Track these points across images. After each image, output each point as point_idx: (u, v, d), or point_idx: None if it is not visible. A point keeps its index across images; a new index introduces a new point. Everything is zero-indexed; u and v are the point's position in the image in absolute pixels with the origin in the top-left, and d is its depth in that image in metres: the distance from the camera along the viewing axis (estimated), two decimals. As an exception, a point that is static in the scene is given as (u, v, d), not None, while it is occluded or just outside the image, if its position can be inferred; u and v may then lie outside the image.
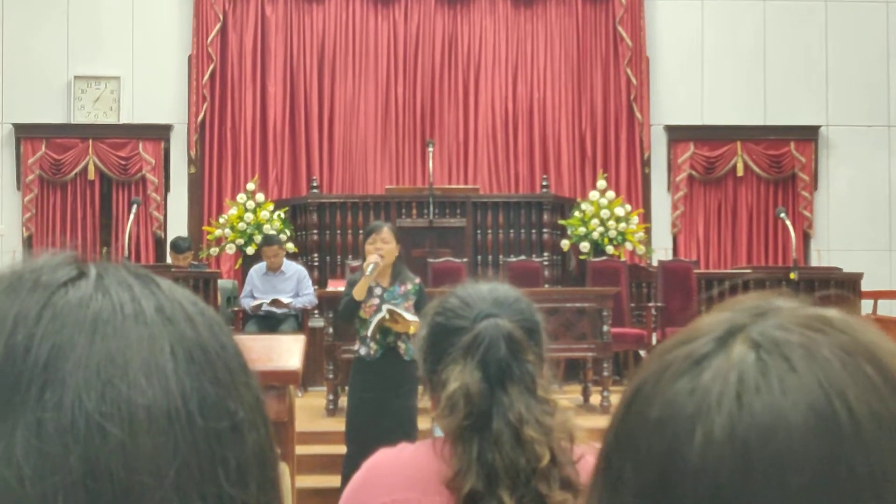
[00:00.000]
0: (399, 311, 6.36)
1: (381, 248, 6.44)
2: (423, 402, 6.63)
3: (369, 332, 6.36)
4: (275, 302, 9.99)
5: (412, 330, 6.39)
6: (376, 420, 6.31)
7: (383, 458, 2.05)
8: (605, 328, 8.98)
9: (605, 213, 11.59)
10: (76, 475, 0.56)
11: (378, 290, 6.51)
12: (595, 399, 9.22)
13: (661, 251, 12.79)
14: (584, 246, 11.50)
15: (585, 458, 1.83)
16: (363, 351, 6.49)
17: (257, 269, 10.34)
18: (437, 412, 1.88)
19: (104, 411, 0.57)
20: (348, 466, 6.34)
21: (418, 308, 6.50)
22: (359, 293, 6.45)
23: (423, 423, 6.47)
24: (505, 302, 1.99)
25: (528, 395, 1.83)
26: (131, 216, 10.71)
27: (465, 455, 1.80)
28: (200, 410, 0.60)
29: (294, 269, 10.34)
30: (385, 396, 6.37)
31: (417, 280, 6.73)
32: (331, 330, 8.64)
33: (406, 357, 6.47)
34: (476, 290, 2.01)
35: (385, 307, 6.35)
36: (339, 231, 11.37)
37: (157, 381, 0.59)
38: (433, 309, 2.03)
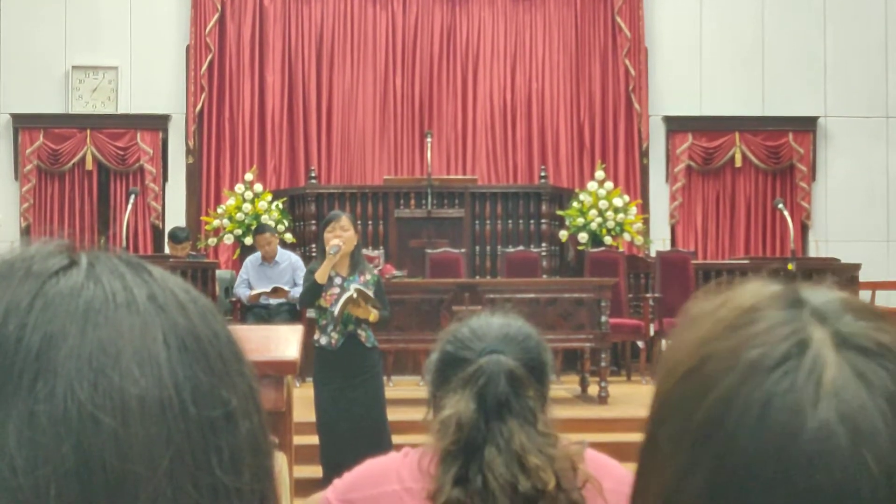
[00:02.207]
0: (367, 291, 6.44)
1: (341, 234, 6.53)
2: (395, 391, 6.71)
3: (336, 311, 6.43)
4: (276, 290, 9.99)
5: (372, 318, 6.48)
6: (345, 409, 6.41)
7: (393, 455, 2.14)
8: (603, 319, 8.99)
9: (603, 203, 11.59)
10: (69, 465, 0.56)
11: (338, 280, 6.60)
12: (593, 390, 9.23)
13: (660, 242, 12.79)
14: (583, 236, 11.50)
15: (589, 484, 1.92)
16: (324, 340, 6.58)
17: (252, 259, 10.34)
18: (431, 431, 1.98)
19: (97, 401, 0.57)
20: (324, 457, 6.41)
21: (376, 298, 6.58)
22: (321, 276, 6.53)
23: (395, 415, 6.55)
24: (514, 339, 2.05)
25: (529, 427, 1.92)
26: (129, 206, 10.72)
27: (444, 474, 1.90)
28: (193, 399, 0.60)
29: (287, 258, 10.33)
30: (350, 384, 6.47)
31: (376, 271, 6.86)
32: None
33: (367, 344, 6.56)
34: (488, 324, 2.08)
35: (353, 286, 6.44)
36: (337, 221, 11.35)
37: (150, 371, 0.59)
38: (446, 335, 2.11)
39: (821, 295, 0.71)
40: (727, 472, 0.65)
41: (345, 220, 6.65)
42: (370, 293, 6.50)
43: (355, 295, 6.42)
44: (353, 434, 6.21)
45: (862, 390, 0.64)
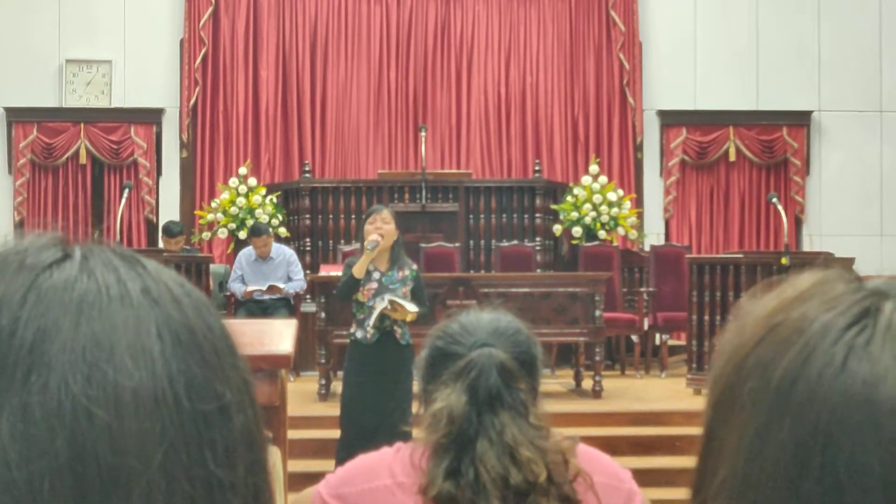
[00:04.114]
0: (400, 301, 6.40)
1: (382, 227, 6.50)
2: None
3: (371, 322, 6.40)
4: (271, 288, 9.99)
5: (410, 318, 6.44)
6: (372, 404, 6.35)
7: (386, 450, 2.14)
8: (598, 313, 8.99)
9: (597, 197, 11.60)
10: (63, 459, 0.56)
11: (376, 275, 6.56)
12: (587, 384, 9.24)
13: (654, 236, 12.80)
14: (577, 231, 11.51)
15: (580, 478, 1.93)
16: (360, 334, 6.54)
17: (246, 254, 10.32)
18: (422, 425, 1.99)
19: (90, 394, 0.57)
20: (342, 450, 6.35)
21: (415, 294, 6.56)
22: (359, 271, 6.50)
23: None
24: (504, 333, 2.06)
25: (521, 420, 1.93)
26: (123, 200, 10.69)
27: (436, 468, 1.91)
28: (187, 393, 0.60)
29: (281, 253, 10.32)
30: (381, 380, 6.41)
31: (415, 266, 6.80)
32: (323, 315, 8.65)
33: (402, 341, 6.52)
34: (478, 319, 2.10)
35: (387, 297, 6.39)
36: (331, 216, 11.36)
37: (144, 364, 0.59)
38: (435, 332, 2.12)
39: (879, 281, 0.73)
40: (812, 420, 0.66)
41: (386, 213, 6.62)
42: (404, 300, 6.45)
43: (389, 307, 6.39)
44: (376, 430, 6.15)
45: None
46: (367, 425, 6.28)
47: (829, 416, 0.65)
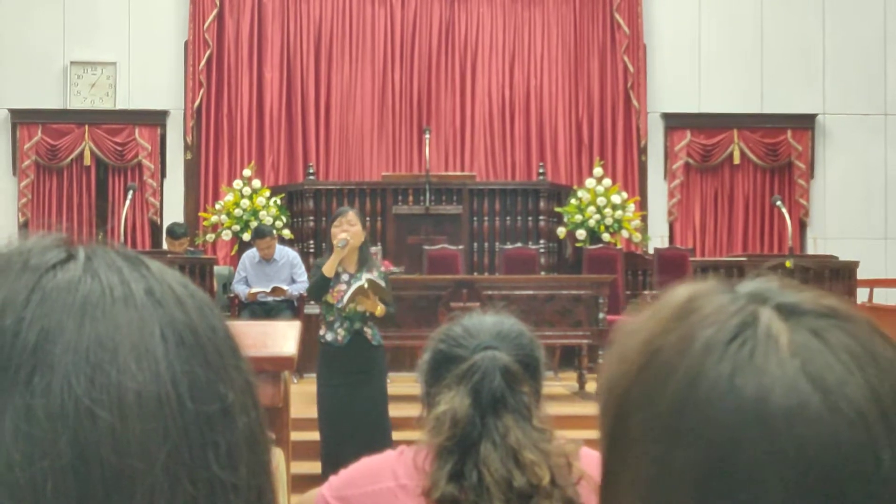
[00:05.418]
0: (377, 280, 6.44)
1: (348, 230, 6.55)
2: (393, 388, 6.72)
3: (346, 299, 6.43)
4: (275, 290, 9.99)
5: (379, 311, 6.47)
6: (348, 406, 6.41)
7: (389, 453, 2.15)
8: (601, 315, 8.99)
9: (601, 200, 11.59)
10: (66, 460, 0.56)
11: (345, 276, 6.60)
12: (590, 387, 9.23)
13: (658, 239, 12.79)
14: (581, 233, 11.50)
15: (584, 480, 1.92)
16: (330, 336, 6.59)
17: (250, 255, 10.32)
18: (425, 428, 1.99)
19: (94, 396, 0.57)
20: (327, 456, 6.40)
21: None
22: (329, 269, 6.54)
23: (393, 411, 6.56)
24: (507, 336, 2.06)
25: (524, 422, 1.93)
26: (127, 202, 10.71)
27: (440, 470, 1.91)
28: (191, 394, 0.60)
29: (285, 255, 10.31)
30: (354, 381, 6.47)
31: (383, 268, 6.86)
32: (327, 316, 8.64)
33: (373, 342, 6.57)
34: (480, 322, 2.09)
35: (365, 276, 6.44)
36: (335, 218, 11.35)
37: (147, 365, 0.59)
38: (438, 335, 2.12)
39: (753, 283, 0.73)
40: (706, 444, 0.65)
41: (352, 215, 6.68)
42: (382, 284, 6.51)
43: (366, 285, 6.42)
44: (354, 431, 6.22)
45: (822, 346, 0.66)
46: (345, 427, 6.33)
47: (722, 438, 0.65)
